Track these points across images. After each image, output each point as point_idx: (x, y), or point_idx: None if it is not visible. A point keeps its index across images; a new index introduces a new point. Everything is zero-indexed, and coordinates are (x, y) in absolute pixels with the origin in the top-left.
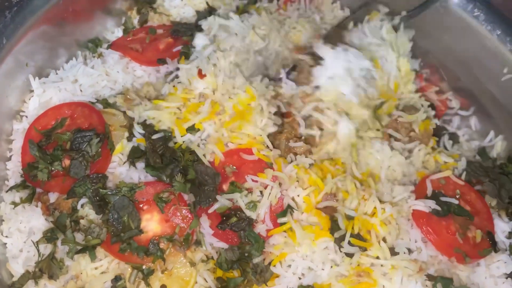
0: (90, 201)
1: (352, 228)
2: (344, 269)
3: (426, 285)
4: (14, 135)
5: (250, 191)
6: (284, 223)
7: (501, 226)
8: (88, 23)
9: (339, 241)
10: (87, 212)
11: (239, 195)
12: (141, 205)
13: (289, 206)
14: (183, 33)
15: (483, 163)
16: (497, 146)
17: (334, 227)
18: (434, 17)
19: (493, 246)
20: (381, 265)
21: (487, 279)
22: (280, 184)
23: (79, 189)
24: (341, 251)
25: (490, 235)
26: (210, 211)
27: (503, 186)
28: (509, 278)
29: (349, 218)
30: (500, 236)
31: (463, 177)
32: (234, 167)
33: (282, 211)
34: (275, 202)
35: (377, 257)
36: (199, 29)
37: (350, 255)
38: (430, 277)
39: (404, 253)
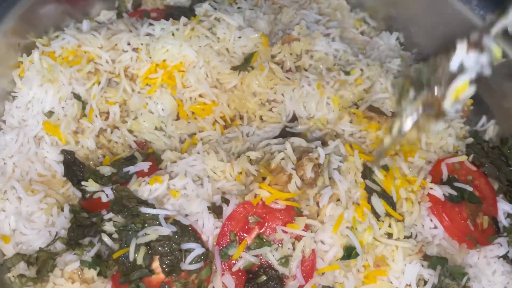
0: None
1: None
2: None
3: (422, 265)
4: (5, 115)
5: (279, 243)
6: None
7: (504, 208)
8: (81, 7)
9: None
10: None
11: (269, 249)
12: None
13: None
14: (177, 17)
15: (483, 145)
16: (489, 130)
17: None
18: (427, 3)
19: (498, 231)
20: (387, 245)
21: (479, 260)
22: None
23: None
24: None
25: (494, 220)
26: (234, 268)
27: (500, 170)
28: (500, 258)
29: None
30: (502, 217)
31: (469, 159)
32: (258, 216)
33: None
34: (309, 254)
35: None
36: (193, 13)
37: (377, 216)
38: (425, 257)
39: (416, 236)
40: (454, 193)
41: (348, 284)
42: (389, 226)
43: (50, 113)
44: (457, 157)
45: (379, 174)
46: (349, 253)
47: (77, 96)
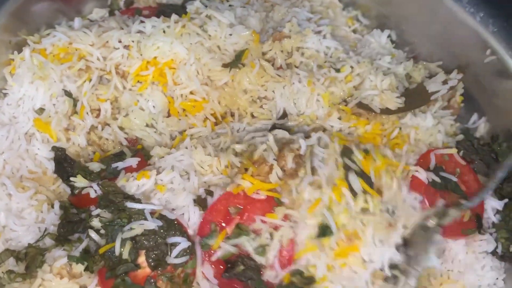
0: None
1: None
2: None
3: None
4: None
5: (258, 233)
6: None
7: (492, 205)
8: (74, 5)
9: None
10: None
11: (246, 239)
12: None
13: None
14: (168, 14)
15: (473, 142)
16: (480, 128)
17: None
18: (419, 1)
19: (478, 228)
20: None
21: (468, 255)
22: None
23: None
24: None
25: (478, 217)
26: (213, 258)
27: (490, 166)
28: (489, 254)
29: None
30: (491, 214)
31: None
32: (240, 206)
33: None
34: (287, 244)
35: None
36: (185, 11)
37: (354, 193)
38: None
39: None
40: (439, 180)
41: (320, 263)
42: (365, 201)
43: (41, 110)
44: (448, 149)
45: (358, 155)
46: (324, 231)
47: (68, 93)
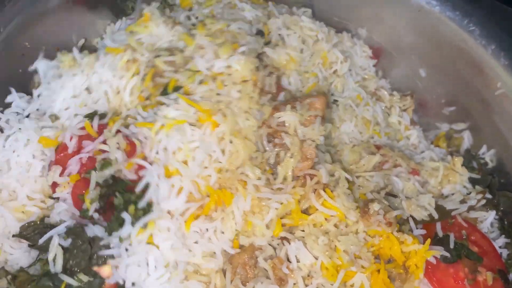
0: None
1: None
2: None
3: None
4: None
5: None
6: None
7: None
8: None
9: None
10: None
11: None
12: None
13: None
14: None
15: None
16: (488, 159)
17: None
18: (429, 32)
19: (506, 284)
20: None
21: None
22: None
23: None
24: None
25: (501, 273)
26: None
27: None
28: None
29: None
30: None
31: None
32: None
33: None
34: None
35: None
36: None
37: None
38: None
39: None
40: (447, 254)
41: None
42: None
43: None
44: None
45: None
46: None
47: None
